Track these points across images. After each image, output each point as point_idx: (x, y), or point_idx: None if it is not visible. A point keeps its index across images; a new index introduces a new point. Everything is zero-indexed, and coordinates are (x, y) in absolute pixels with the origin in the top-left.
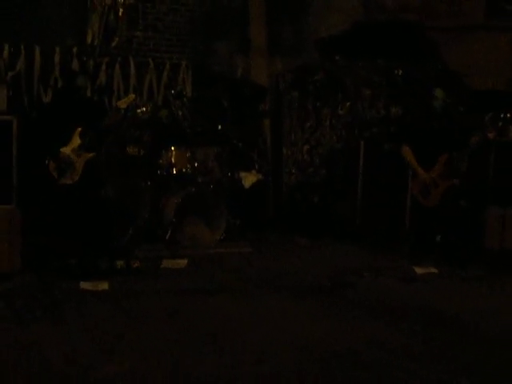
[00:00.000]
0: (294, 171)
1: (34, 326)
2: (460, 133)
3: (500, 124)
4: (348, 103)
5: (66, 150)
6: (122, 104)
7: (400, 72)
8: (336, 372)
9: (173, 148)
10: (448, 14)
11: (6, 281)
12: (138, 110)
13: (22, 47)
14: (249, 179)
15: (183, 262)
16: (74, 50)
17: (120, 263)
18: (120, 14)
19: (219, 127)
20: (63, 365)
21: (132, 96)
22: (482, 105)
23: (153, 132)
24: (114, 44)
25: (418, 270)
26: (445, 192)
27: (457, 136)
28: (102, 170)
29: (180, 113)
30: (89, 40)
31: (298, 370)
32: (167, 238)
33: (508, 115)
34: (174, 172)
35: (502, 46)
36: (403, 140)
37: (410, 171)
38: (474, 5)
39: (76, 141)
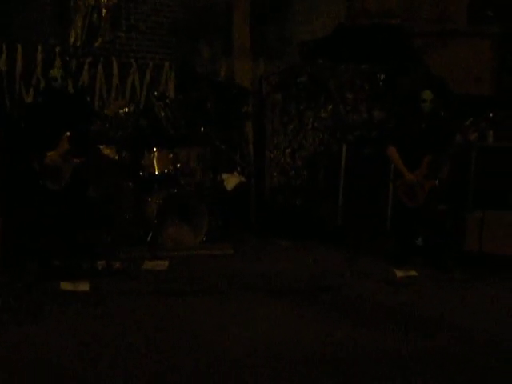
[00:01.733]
0: (276, 174)
1: (13, 327)
2: (443, 135)
3: (481, 127)
4: (330, 106)
5: (54, 155)
6: (111, 111)
7: (382, 76)
8: (315, 374)
9: (155, 149)
10: (431, 20)
11: None
12: (121, 111)
13: (4, 46)
14: (231, 181)
15: (164, 264)
16: (57, 49)
17: (101, 264)
18: (103, 14)
19: (202, 129)
20: (43, 366)
21: (121, 103)
22: (464, 109)
23: (135, 133)
24: (96, 44)
25: (399, 273)
26: (428, 193)
27: (440, 138)
28: (84, 171)
29: (163, 114)
30: (72, 40)
31: (277, 372)
32: (149, 239)
33: (489, 119)
34: (156, 173)
35: (484, 52)
36: (387, 142)
37: (391, 173)
38: (457, 10)
39: (64, 146)
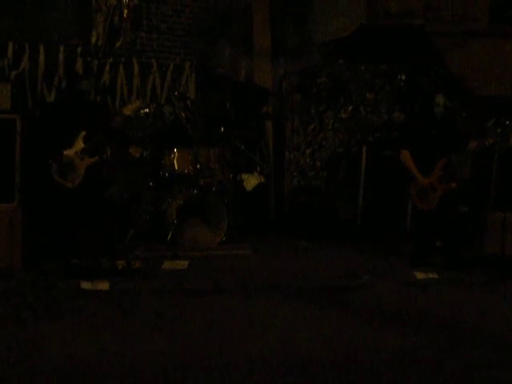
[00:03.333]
0: (295, 174)
1: (33, 325)
2: (459, 138)
3: (500, 130)
4: (351, 107)
5: (70, 153)
6: (127, 111)
7: (403, 77)
8: (335, 376)
9: (175, 149)
10: (452, 20)
11: (6, 279)
12: (142, 111)
13: (27, 46)
14: (251, 181)
15: (184, 264)
16: (79, 50)
17: (121, 263)
18: (124, 14)
19: (222, 129)
20: (62, 364)
21: (137, 103)
22: (485, 111)
23: (156, 133)
24: (118, 45)
25: (418, 275)
26: (442, 196)
27: (456, 141)
28: (105, 170)
29: (183, 114)
30: (93, 40)
31: (296, 372)
32: (169, 239)
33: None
34: (177, 173)
35: (507, 52)
36: (402, 144)
37: (408, 175)
38: (479, 10)
39: (79, 144)
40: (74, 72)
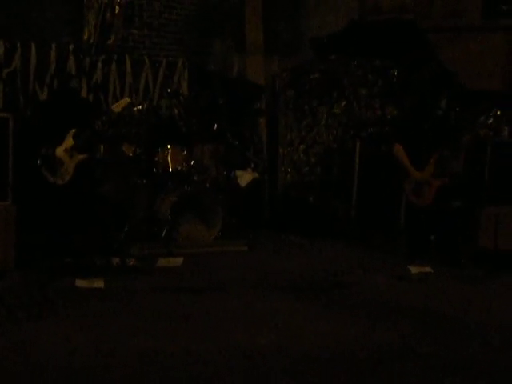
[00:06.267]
0: (289, 170)
1: (28, 325)
2: (452, 132)
3: (493, 123)
4: (344, 103)
5: (59, 151)
6: (117, 108)
7: (395, 72)
8: (331, 371)
9: (169, 146)
10: (444, 14)
11: (0, 278)
12: (134, 108)
13: (18, 44)
14: (245, 178)
15: (179, 261)
16: (70, 47)
17: (116, 261)
18: (116, 11)
19: (215, 126)
20: (58, 363)
21: (127, 100)
22: (477, 105)
23: (149, 130)
24: (110, 42)
25: (413, 270)
26: (437, 191)
27: (449, 135)
28: (98, 168)
29: (176, 111)
30: (85, 38)
31: (292, 368)
32: (163, 236)
33: (502, 115)
34: (170, 170)
35: (498, 46)
36: (395, 139)
37: (402, 170)
38: (471, 5)
39: (69, 141)
40: (64, 71)
